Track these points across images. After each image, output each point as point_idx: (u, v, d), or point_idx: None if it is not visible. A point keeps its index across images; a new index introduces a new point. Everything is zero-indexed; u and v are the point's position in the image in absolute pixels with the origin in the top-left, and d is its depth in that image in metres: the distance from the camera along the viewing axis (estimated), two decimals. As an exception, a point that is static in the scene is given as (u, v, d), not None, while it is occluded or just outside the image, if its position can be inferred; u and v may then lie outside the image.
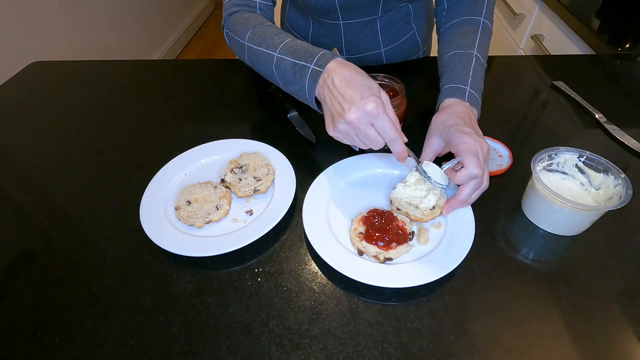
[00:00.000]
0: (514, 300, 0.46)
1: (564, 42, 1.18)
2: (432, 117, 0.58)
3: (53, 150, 0.70)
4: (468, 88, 0.59)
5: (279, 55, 0.56)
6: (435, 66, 0.72)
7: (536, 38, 1.29)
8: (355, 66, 0.51)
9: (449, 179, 0.53)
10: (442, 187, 0.54)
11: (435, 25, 0.78)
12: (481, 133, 0.54)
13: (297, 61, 0.54)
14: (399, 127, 0.48)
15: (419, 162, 0.54)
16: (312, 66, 0.52)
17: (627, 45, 0.98)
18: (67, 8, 1.84)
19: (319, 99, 0.53)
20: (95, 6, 2.01)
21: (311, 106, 0.56)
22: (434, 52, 0.99)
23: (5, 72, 0.93)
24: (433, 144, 0.56)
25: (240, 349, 0.42)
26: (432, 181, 0.53)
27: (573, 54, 1.11)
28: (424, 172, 0.53)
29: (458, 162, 0.52)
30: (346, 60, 0.52)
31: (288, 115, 0.72)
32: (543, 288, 0.47)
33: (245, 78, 0.85)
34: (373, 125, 0.47)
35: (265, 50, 0.58)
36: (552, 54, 1.21)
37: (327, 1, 0.72)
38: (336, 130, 0.50)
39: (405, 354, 0.41)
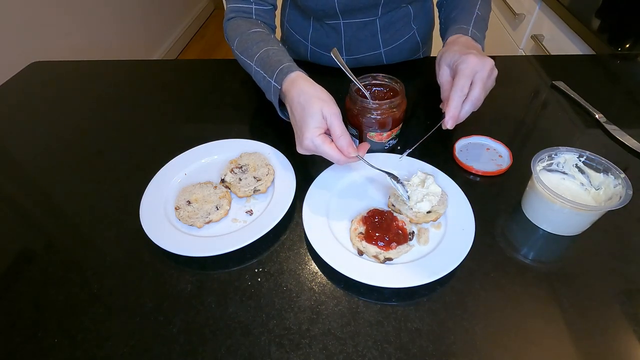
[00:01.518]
0: (514, 300, 0.46)
1: (564, 42, 1.18)
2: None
3: (53, 150, 0.70)
4: (470, 28, 0.63)
5: (255, 67, 0.62)
6: (434, 66, 0.72)
7: (536, 38, 1.29)
8: (306, 83, 0.54)
9: (430, 207, 0.52)
10: (423, 192, 0.53)
11: (435, 26, 0.78)
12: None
13: (264, 75, 0.60)
14: (344, 142, 0.51)
15: (395, 179, 0.53)
16: (272, 82, 0.57)
17: (627, 45, 0.98)
18: (67, 8, 1.84)
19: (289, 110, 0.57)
20: (95, 6, 2.01)
21: (283, 118, 0.61)
22: (434, 53, 1.00)
23: (5, 72, 0.93)
24: (443, 76, 0.58)
25: (240, 349, 0.42)
26: (407, 200, 0.53)
27: (573, 54, 1.11)
28: (401, 189, 0.53)
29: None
30: (345, 60, 0.53)
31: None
32: (543, 288, 0.47)
33: (245, 78, 0.85)
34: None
35: (246, 60, 0.64)
36: (552, 54, 1.21)
37: (327, 4, 0.72)
38: (298, 148, 0.55)
39: (405, 354, 0.41)
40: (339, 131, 0.51)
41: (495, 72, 0.55)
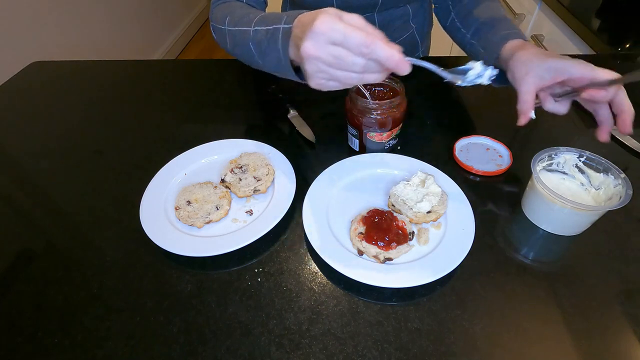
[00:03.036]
0: (514, 300, 0.46)
1: (564, 42, 1.18)
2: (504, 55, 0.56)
3: (53, 150, 0.70)
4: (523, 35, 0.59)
5: (253, 29, 0.53)
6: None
7: (536, 38, 1.29)
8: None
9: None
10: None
11: (437, 23, 0.78)
12: None
13: (268, 27, 0.50)
14: (370, 29, 0.39)
15: (440, 69, 0.45)
16: (282, 25, 0.47)
17: (627, 45, 0.98)
18: (67, 8, 1.84)
19: (294, 60, 0.47)
20: (95, 6, 2.01)
21: (289, 75, 0.49)
22: (432, 52, 1.00)
23: (5, 72, 0.93)
24: (531, 82, 0.50)
25: (240, 349, 0.42)
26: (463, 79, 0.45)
27: (573, 54, 1.11)
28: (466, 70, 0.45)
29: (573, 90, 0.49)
30: None
31: (288, 115, 0.72)
32: (543, 288, 0.47)
33: (245, 78, 0.85)
34: (336, 45, 0.38)
35: (241, 28, 0.56)
36: (552, 54, 1.21)
37: (325, 2, 0.72)
38: (310, 78, 0.41)
39: (405, 354, 0.41)
40: (370, 28, 0.39)
41: None
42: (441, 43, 0.97)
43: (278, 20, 0.48)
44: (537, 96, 0.52)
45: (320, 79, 0.41)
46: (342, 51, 0.38)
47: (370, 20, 0.79)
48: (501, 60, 0.59)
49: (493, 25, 0.64)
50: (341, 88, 0.43)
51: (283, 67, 0.49)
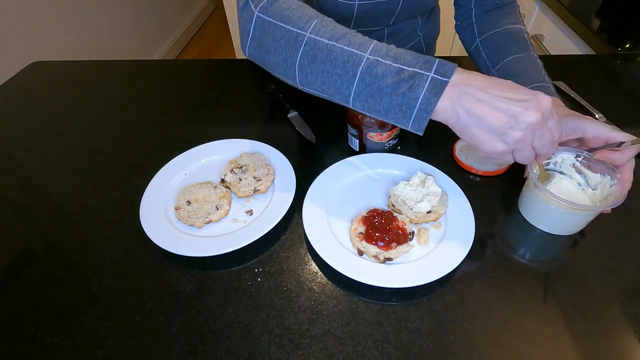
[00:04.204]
0: (514, 300, 0.46)
1: (564, 42, 1.18)
2: None
3: (53, 150, 0.70)
4: (550, 85, 0.57)
5: (372, 57, 0.43)
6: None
7: (536, 38, 1.29)
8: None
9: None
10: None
11: (440, 32, 0.77)
12: None
13: (403, 67, 0.42)
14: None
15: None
16: (431, 74, 0.40)
17: (627, 45, 0.98)
18: (67, 8, 1.84)
19: (446, 116, 0.41)
20: (95, 6, 2.01)
21: (411, 129, 0.43)
22: (436, 54, 1.00)
23: (5, 72, 0.93)
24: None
25: (240, 349, 0.42)
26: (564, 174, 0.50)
27: (573, 54, 1.11)
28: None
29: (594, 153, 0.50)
30: None
31: (288, 115, 0.72)
32: (543, 288, 0.47)
33: (245, 78, 0.85)
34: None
35: (346, 47, 0.44)
36: (552, 54, 1.21)
37: (347, 9, 0.69)
38: (507, 143, 0.39)
39: (405, 354, 0.41)
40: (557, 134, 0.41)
41: None
42: (441, 43, 0.96)
43: (423, 65, 0.42)
44: None
45: (510, 150, 0.41)
46: (550, 133, 0.40)
47: (380, 31, 0.77)
48: None
49: (522, 72, 0.60)
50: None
51: (402, 116, 0.43)
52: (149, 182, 0.59)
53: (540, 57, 0.64)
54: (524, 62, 0.61)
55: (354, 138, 0.63)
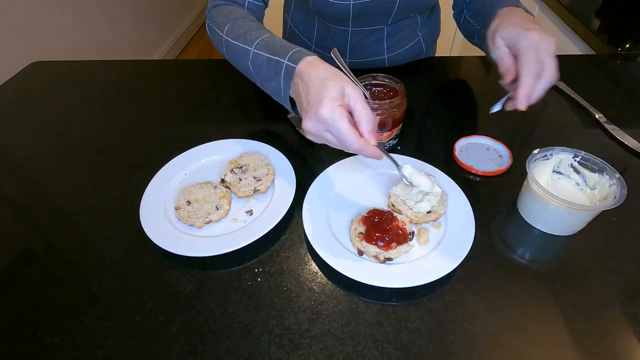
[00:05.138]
0: (514, 300, 0.46)
1: (564, 42, 1.18)
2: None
3: (53, 150, 0.70)
4: (521, 6, 0.59)
5: (255, 51, 0.54)
6: (436, 66, 0.72)
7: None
8: (326, 65, 0.48)
9: (432, 185, 0.52)
10: (423, 193, 0.53)
11: (440, 32, 0.77)
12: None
13: (272, 56, 0.52)
14: (368, 127, 0.44)
15: (398, 166, 0.53)
16: (285, 61, 0.50)
17: (627, 45, 0.98)
18: (67, 8, 1.84)
19: (293, 97, 0.51)
20: (95, 6, 2.01)
21: (285, 106, 0.53)
22: (436, 55, 0.99)
23: (5, 72, 0.93)
24: (500, 50, 0.54)
25: (240, 349, 0.42)
26: (412, 186, 0.53)
27: (573, 54, 1.11)
28: (405, 177, 0.53)
29: (508, 98, 0.51)
30: (348, 63, 0.52)
31: (288, 116, 0.72)
32: (543, 288, 0.47)
33: (245, 78, 0.85)
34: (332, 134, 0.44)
35: (242, 45, 0.56)
36: (552, 54, 1.21)
37: (342, 10, 0.70)
38: (307, 134, 0.47)
39: (405, 354, 0.41)
40: (363, 113, 0.44)
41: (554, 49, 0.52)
42: (441, 43, 0.96)
43: (282, 53, 0.50)
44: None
45: (315, 139, 0.47)
46: (333, 139, 0.45)
47: (380, 31, 0.78)
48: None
49: (493, 3, 0.64)
50: None
51: (280, 98, 0.53)
52: (149, 182, 0.59)
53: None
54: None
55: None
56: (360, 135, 0.44)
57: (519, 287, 0.47)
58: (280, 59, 0.50)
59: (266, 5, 0.71)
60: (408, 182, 0.53)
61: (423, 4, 0.74)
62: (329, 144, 0.47)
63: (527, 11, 0.60)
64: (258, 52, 0.54)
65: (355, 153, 0.45)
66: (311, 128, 0.45)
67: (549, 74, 0.50)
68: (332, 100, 0.43)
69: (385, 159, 0.49)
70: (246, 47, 0.56)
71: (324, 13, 0.73)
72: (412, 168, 0.53)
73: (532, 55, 0.50)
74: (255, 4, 0.68)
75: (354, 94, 0.44)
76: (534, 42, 0.50)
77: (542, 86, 0.50)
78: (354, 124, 0.44)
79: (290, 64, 0.49)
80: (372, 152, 0.44)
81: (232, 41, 0.58)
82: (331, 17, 0.73)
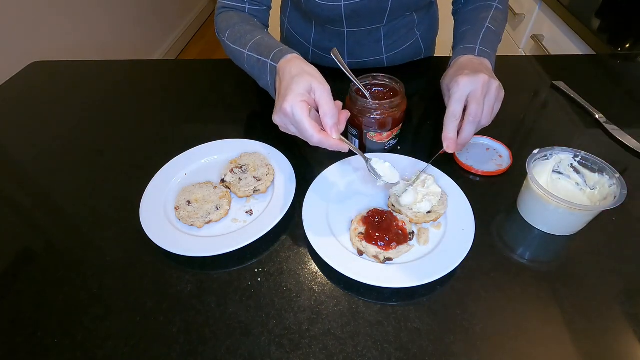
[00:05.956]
0: (514, 300, 0.46)
1: (564, 42, 1.18)
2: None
3: (53, 150, 0.70)
4: (477, 46, 0.61)
5: (248, 53, 0.60)
6: (436, 66, 0.72)
7: (536, 38, 1.29)
8: (302, 62, 0.51)
9: (399, 178, 0.53)
10: (391, 185, 0.54)
11: (440, 28, 0.78)
12: (488, 72, 0.55)
13: (259, 57, 0.58)
14: (330, 121, 0.47)
15: (367, 160, 0.54)
16: (269, 61, 0.55)
17: (627, 45, 0.98)
18: (67, 8, 1.84)
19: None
20: (95, 6, 2.01)
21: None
22: (436, 55, 0.99)
23: (5, 72, 0.93)
24: (445, 100, 0.58)
25: (240, 349, 0.42)
26: (381, 179, 0.53)
27: (573, 54, 1.11)
28: (373, 169, 0.53)
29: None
30: (347, 63, 0.52)
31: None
32: (543, 288, 0.47)
33: (245, 78, 0.85)
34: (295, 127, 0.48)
35: (238, 48, 0.62)
36: (552, 54, 1.21)
37: (333, 11, 0.71)
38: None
39: (405, 354, 0.41)
40: (326, 108, 0.47)
41: (495, 85, 0.53)
42: (441, 43, 0.97)
43: (267, 53, 0.56)
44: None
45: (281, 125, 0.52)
46: (299, 133, 0.49)
47: (377, 31, 0.78)
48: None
49: (462, 39, 0.66)
50: None
51: (271, 93, 0.59)
52: (149, 182, 0.59)
53: (540, 57, 0.64)
54: (469, 32, 0.66)
55: (353, 138, 0.63)
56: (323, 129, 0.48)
57: (519, 287, 0.47)
58: (265, 59, 0.56)
59: (269, 8, 0.71)
60: (373, 173, 0.53)
61: (417, 0, 0.74)
62: (298, 136, 0.50)
63: (488, 54, 0.61)
64: (250, 54, 0.60)
65: (318, 146, 0.48)
66: (278, 121, 0.50)
67: (472, 118, 0.52)
68: (296, 96, 0.47)
69: (350, 151, 0.51)
70: (241, 50, 0.62)
71: (317, 14, 0.74)
72: (378, 160, 0.54)
73: (454, 102, 0.53)
74: (256, 9, 0.70)
75: (319, 89, 0.48)
76: (460, 88, 0.53)
77: (468, 129, 0.53)
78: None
79: (272, 63, 0.55)
80: (333, 144, 0.47)
81: (232, 45, 0.64)
82: (324, 18, 0.74)
